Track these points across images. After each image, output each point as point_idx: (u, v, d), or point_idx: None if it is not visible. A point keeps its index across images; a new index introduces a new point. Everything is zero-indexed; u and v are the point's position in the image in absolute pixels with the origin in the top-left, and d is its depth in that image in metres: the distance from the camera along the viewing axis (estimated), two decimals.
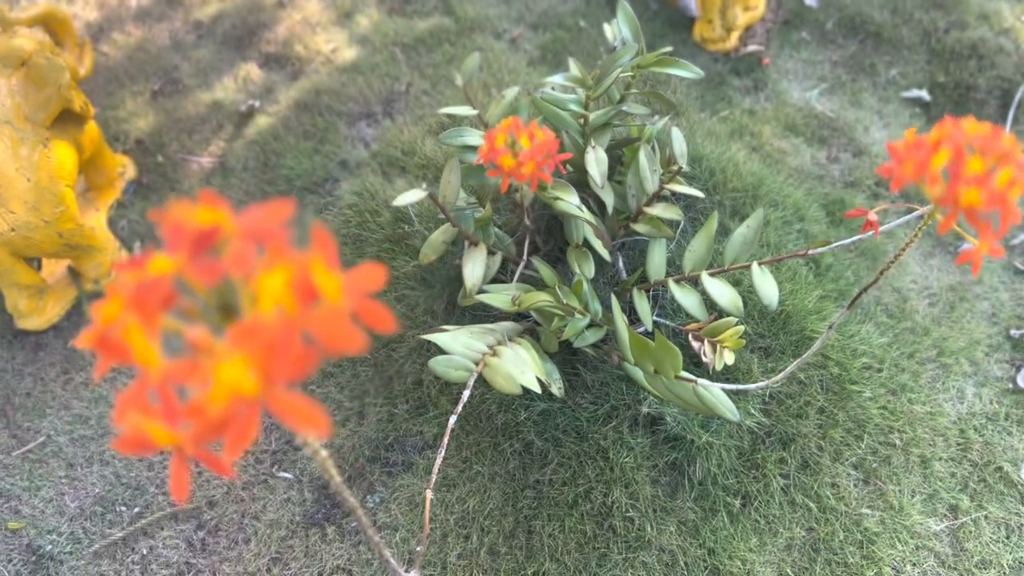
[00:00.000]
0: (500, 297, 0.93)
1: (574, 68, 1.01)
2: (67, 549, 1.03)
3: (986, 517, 1.06)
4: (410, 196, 0.89)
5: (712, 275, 0.94)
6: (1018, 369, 1.21)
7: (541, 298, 0.89)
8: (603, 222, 1.05)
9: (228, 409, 0.26)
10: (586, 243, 1.01)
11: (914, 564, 1.01)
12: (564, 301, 0.90)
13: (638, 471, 1.01)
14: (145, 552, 1.03)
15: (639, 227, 1.01)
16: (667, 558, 0.99)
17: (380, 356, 1.16)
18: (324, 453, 0.39)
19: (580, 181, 1.02)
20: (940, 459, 1.11)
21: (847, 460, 1.08)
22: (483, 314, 1.08)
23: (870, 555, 1.01)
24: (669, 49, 0.98)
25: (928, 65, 1.69)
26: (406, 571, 0.54)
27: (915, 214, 0.76)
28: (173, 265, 0.29)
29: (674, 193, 1.02)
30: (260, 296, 0.27)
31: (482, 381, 0.83)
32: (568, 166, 1.06)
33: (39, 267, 1.31)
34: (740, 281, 1.11)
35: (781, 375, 0.86)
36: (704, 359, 0.93)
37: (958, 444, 1.13)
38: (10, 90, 1.11)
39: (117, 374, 1.22)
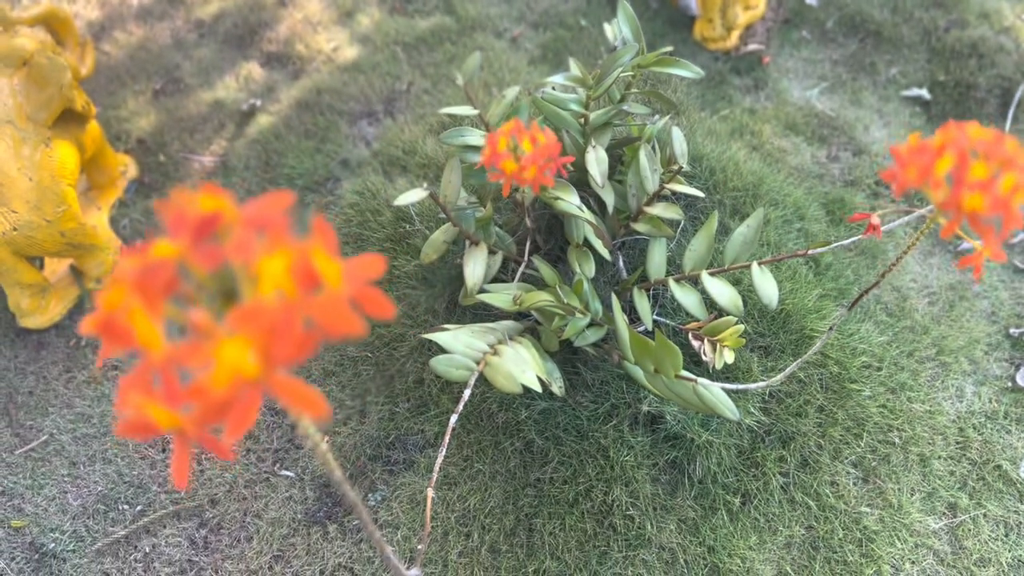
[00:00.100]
0: (501, 296, 0.93)
1: (575, 68, 1.01)
2: (70, 547, 1.04)
3: (985, 515, 1.06)
4: (411, 196, 0.89)
5: (712, 274, 0.95)
6: (1017, 367, 1.21)
7: (542, 297, 0.90)
8: (603, 221, 1.05)
9: (230, 391, 0.27)
10: (587, 242, 1.01)
11: (913, 562, 1.02)
12: (565, 300, 0.91)
13: (638, 469, 1.01)
14: (148, 550, 1.04)
15: (639, 226, 1.02)
16: (667, 556, 1.00)
17: (381, 355, 1.16)
18: (325, 446, 0.39)
19: (581, 180, 1.03)
20: (939, 457, 1.11)
21: (846, 458, 1.09)
22: (484, 313, 1.08)
23: (869, 553, 1.01)
24: (670, 49, 0.98)
25: (928, 64, 1.69)
26: (407, 569, 0.54)
27: (916, 214, 0.77)
28: (176, 250, 0.29)
29: (674, 192, 1.02)
30: (261, 279, 0.28)
31: (483, 380, 0.84)
32: (569, 165, 1.06)
33: (41, 266, 1.31)
34: (740, 280, 1.11)
35: (781, 375, 0.86)
36: (704, 358, 0.94)
37: (957, 442, 1.13)
38: (12, 90, 1.11)
39: (118, 373, 1.22)
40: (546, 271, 0.98)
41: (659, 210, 1.01)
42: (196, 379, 0.27)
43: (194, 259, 0.29)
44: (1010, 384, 1.20)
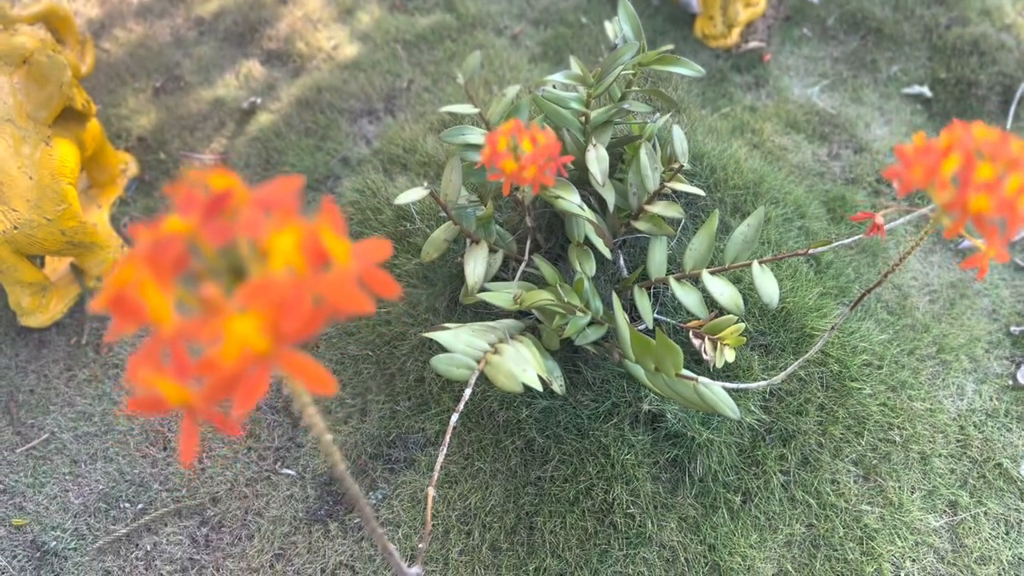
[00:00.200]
0: (502, 295, 0.93)
1: (575, 66, 1.01)
2: (71, 545, 1.04)
3: (985, 513, 1.06)
4: (412, 194, 0.89)
5: (713, 273, 0.95)
6: (1018, 366, 1.21)
7: (543, 296, 0.90)
8: (604, 220, 1.05)
9: (239, 365, 0.27)
10: (587, 241, 1.01)
11: (913, 560, 1.02)
12: (565, 299, 0.91)
13: (639, 468, 1.01)
14: (149, 548, 1.04)
15: (640, 225, 1.02)
16: (668, 554, 1.00)
17: (382, 353, 1.17)
18: (329, 436, 0.39)
19: (581, 179, 1.03)
20: (940, 455, 1.11)
21: (847, 457, 1.09)
22: (485, 312, 1.08)
23: (870, 551, 1.01)
24: (670, 47, 0.98)
25: (929, 61, 1.69)
26: (409, 567, 0.54)
27: (917, 213, 0.76)
28: (186, 226, 0.29)
29: (675, 191, 1.02)
30: (271, 255, 0.28)
31: (484, 379, 0.84)
32: (569, 164, 1.06)
33: (42, 264, 1.31)
34: (740, 279, 1.11)
35: (782, 374, 0.86)
36: (705, 357, 0.94)
37: (958, 440, 1.13)
38: (12, 88, 1.11)
39: (118, 372, 1.22)
40: (547, 270, 0.98)
41: (660, 208, 1.00)
42: (206, 354, 0.27)
43: (205, 235, 0.29)
44: (1011, 382, 1.20)
